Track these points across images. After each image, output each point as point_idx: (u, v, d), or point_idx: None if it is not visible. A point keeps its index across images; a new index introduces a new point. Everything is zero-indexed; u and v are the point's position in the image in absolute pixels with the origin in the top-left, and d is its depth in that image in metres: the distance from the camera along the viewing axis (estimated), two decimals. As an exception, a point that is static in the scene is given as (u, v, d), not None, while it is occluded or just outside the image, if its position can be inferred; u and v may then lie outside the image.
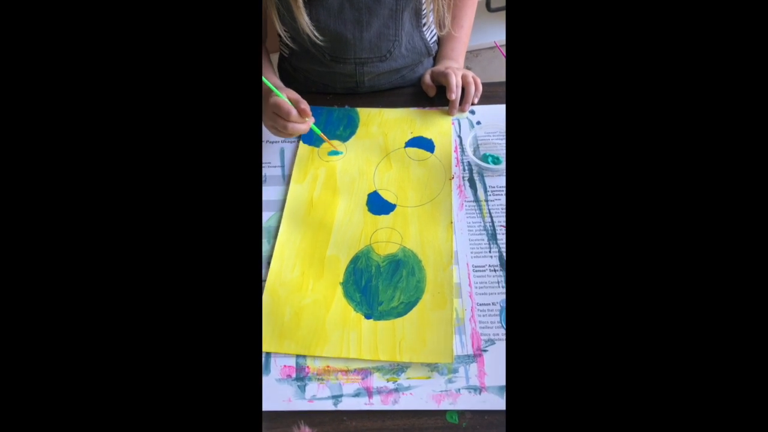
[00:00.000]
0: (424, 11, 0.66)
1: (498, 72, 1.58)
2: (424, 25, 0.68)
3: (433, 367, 0.44)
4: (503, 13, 1.37)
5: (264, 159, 0.62)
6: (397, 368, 0.45)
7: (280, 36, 0.67)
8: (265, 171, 0.61)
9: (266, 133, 0.62)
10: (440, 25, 0.66)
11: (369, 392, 0.43)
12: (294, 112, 0.55)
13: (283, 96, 0.56)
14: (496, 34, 1.52)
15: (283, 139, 0.64)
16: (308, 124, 0.58)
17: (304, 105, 0.56)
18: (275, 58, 0.79)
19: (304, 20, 0.60)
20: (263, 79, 0.53)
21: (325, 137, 0.61)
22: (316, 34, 0.62)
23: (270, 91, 0.56)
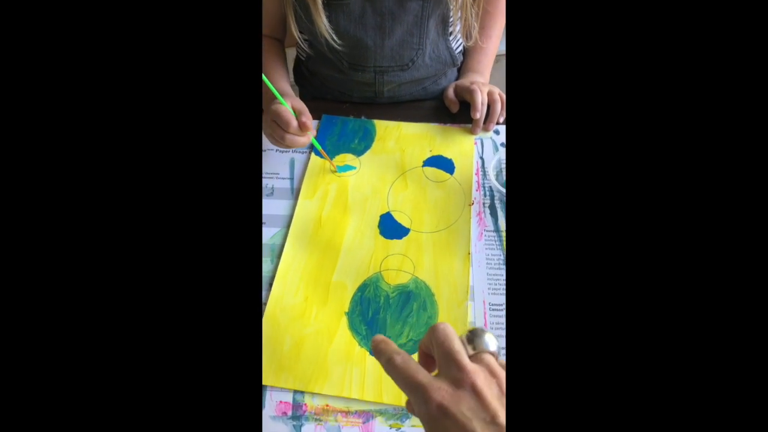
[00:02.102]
0: (452, 19, 0.62)
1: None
2: (450, 33, 0.64)
3: (440, 416, 0.41)
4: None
5: (273, 169, 0.59)
6: (402, 413, 0.41)
7: (297, 40, 0.63)
8: (273, 182, 0.57)
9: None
10: (467, 36, 0.62)
11: (370, 439, 0.40)
12: (294, 123, 0.52)
13: (287, 104, 0.52)
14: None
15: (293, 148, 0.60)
16: (308, 137, 0.54)
17: (306, 118, 0.53)
18: (293, 54, 0.75)
19: (323, 23, 0.56)
20: (267, 82, 0.49)
21: (325, 155, 0.57)
22: (335, 38, 0.58)
23: (274, 96, 0.52)
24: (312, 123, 0.54)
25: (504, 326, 0.45)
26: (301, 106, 0.55)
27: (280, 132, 0.53)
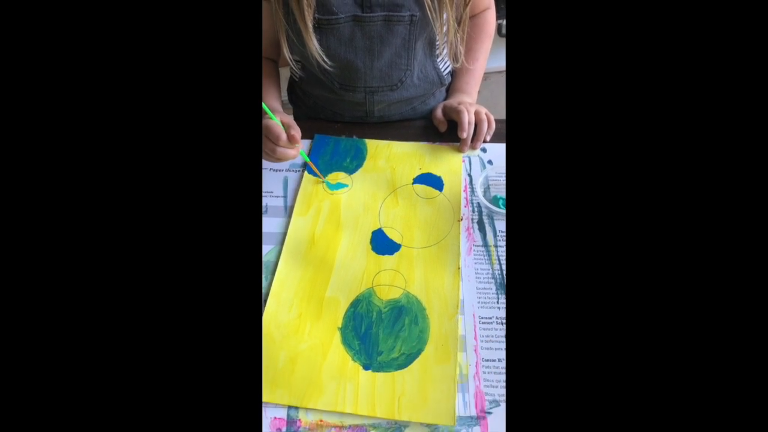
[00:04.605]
0: (438, 42, 0.65)
1: (506, 97, 1.57)
2: (438, 55, 0.66)
3: (433, 429, 0.41)
4: (515, 40, 1.37)
5: (266, 188, 0.60)
6: (395, 427, 0.42)
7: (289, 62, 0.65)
8: (267, 201, 0.59)
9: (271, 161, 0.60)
10: (454, 58, 0.65)
11: (364, 453, 0.40)
12: (284, 136, 0.54)
13: (276, 119, 0.54)
14: (507, 58, 1.51)
15: (287, 167, 0.62)
16: (297, 149, 0.57)
17: (295, 131, 0.55)
18: (286, 74, 0.77)
19: (314, 46, 0.58)
20: None
21: (314, 166, 0.59)
22: (326, 59, 0.60)
23: (263, 112, 0.54)
24: (300, 135, 0.56)
25: (494, 339, 0.46)
26: (289, 120, 0.57)
27: (271, 145, 0.55)
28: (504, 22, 1.41)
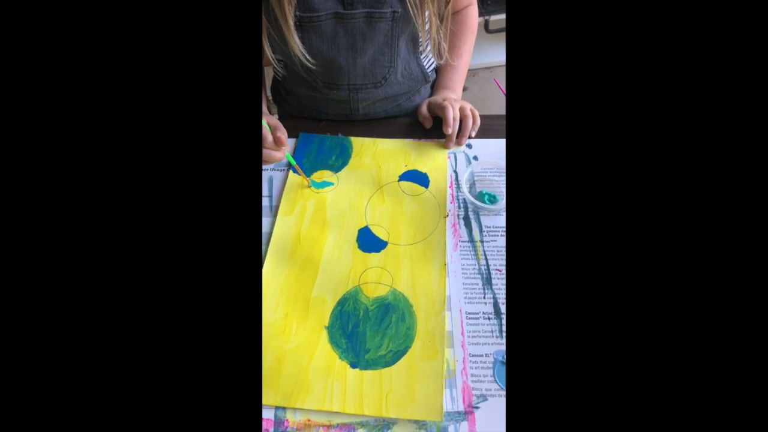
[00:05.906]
0: (421, 39, 0.65)
1: (494, 93, 1.58)
2: (421, 52, 0.66)
3: (421, 425, 0.41)
4: (501, 35, 1.38)
5: (251, 188, 0.59)
6: (383, 424, 0.42)
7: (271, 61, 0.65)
8: (252, 200, 0.58)
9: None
10: (438, 54, 0.65)
11: (352, 451, 0.40)
12: (269, 138, 0.54)
13: (262, 120, 0.54)
14: (494, 54, 1.53)
15: (272, 167, 0.61)
16: (284, 152, 0.57)
17: (281, 134, 0.55)
18: (270, 73, 0.76)
19: (296, 44, 0.58)
20: None
21: (299, 169, 0.58)
22: (308, 57, 0.60)
23: None
24: (286, 138, 0.56)
25: (481, 334, 0.47)
26: (276, 122, 0.57)
27: None
28: (490, 18, 1.42)
